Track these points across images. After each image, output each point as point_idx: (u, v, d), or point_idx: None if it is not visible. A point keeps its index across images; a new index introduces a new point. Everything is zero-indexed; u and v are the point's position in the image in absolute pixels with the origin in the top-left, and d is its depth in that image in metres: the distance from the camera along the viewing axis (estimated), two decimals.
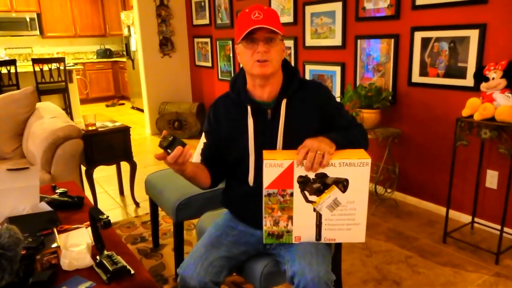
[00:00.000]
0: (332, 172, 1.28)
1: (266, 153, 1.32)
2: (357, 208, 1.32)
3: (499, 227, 2.44)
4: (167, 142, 1.24)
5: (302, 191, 1.30)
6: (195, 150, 2.64)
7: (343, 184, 1.29)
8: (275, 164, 1.27)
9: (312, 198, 1.31)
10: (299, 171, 1.28)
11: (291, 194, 1.30)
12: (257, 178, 1.44)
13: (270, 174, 1.28)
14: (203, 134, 1.57)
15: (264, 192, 1.31)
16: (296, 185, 1.29)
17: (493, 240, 2.54)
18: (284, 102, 1.44)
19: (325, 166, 1.26)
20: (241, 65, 1.47)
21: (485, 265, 2.32)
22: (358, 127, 1.53)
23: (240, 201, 1.55)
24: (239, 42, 1.39)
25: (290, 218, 1.34)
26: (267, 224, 1.35)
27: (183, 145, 1.25)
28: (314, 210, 1.32)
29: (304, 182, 1.29)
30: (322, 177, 1.28)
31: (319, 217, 1.33)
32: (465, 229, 2.72)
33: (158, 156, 1.26)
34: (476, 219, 2.75)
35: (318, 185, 1.29)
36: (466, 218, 2.81)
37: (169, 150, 1.24)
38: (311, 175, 1.28)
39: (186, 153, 1.26)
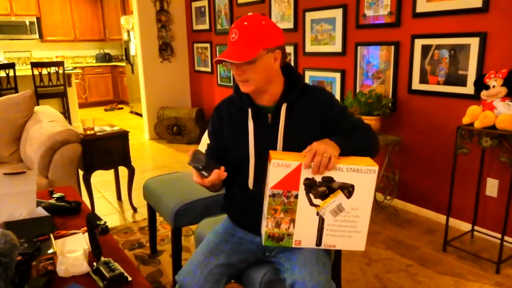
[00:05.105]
0: (339, 176, 1.27)
1: (273, 153, 1.30)
2: (360, 216, 1.31)
3: (499, 235, 2.42)
4: (203, 164, 1.29)
5: (307, 193, 1.29)
6: None
7: (348, 190, 1.28)
8: (283, 164, 1.25)
9: (316, 201, 1.30)
10: (306, 173, 1.26)
11: (296, 196, 1.29)
12: (257, 182, 1.43)
13: (276, 174, 1.26)
14: (206, 135, 1.57)
15: (269, 192, 1.28)
16: (302, 187, 1.28)
17: (493, 249, 2.52)
18: (284, 106, 1.42)
19: (331, 169, 1.25)
20: None
21: (485, 275, 2.30)
22: (364, 128, 1.51)
23: (239, 206, 1.53)
24: None
25: (293, 221, 1.32)
26: (268, 225, 1.33)
27: (218, 166, 1.31)
28: (317, 214, 1.31)
29: (310, 185, 1.28)
30: (328, 181, 1.27)
31: (321, 221, 1.32)
32: (465, 237, 2.71)
33: (198, 181, 1.33)
34: (476, 228, 2.73)
35: (323, 188, 1.28)
36: (466, 226, 2.79)
37: (204, 173, 1.30)
38: (318, 178, 1.27)
39: (222, 175, 1.32)
